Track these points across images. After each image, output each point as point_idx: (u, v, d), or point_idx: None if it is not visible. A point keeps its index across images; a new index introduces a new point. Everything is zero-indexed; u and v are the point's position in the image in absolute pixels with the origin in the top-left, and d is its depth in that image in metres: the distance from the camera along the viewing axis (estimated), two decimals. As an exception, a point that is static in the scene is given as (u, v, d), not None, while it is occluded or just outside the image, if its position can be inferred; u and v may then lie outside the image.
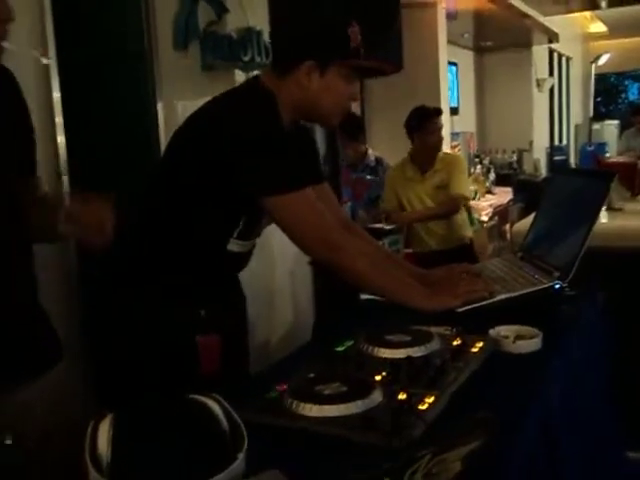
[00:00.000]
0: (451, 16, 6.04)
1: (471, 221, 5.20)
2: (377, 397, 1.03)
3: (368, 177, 4.13)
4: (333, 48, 1.54)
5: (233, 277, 1.69)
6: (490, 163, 7.51)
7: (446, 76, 5.85)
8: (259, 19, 2.93)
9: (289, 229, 1.52)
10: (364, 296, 2.30)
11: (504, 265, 1.85)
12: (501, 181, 7.29)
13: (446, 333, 1.36)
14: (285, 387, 1.09)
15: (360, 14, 1.64)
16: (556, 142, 10.50)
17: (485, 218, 5.87)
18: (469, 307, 1.55)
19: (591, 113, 11.12)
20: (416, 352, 1.22)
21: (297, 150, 1.59)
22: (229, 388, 1.00)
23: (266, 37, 2.95)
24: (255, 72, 3.01)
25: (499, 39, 7.93)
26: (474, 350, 1.25)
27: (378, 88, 5.48)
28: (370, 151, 4.28)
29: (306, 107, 1.58)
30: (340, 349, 1.31)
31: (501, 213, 6.27)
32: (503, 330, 1.39)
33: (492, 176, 7.07)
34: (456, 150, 6.33)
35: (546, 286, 1.55)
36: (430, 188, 3.72)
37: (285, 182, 1.46)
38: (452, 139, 6.24)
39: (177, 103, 2.70)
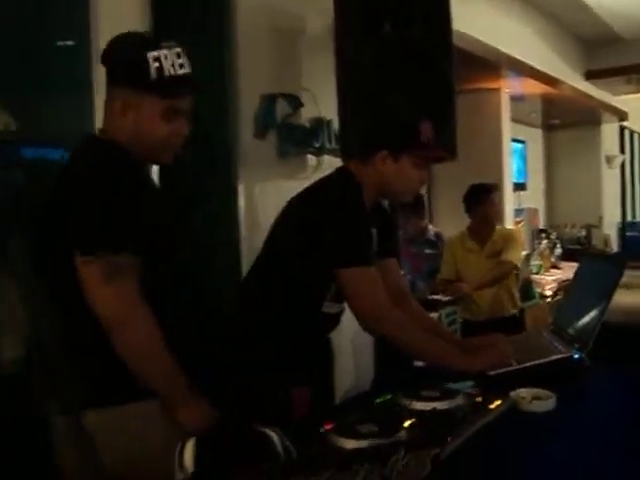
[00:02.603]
0: (517, 98, 6.34)
1: (532, 295, 5.36)
2: (402, 435, 1.29)
3: (427, 251, 4.39)
4: (404, 141, 1.91)
5: (326, 336, 2.01)
6: (557, 238, 7.61)
7: (509, 154, 6.10)
8: (329, 110, 3.29)
9: (349, 299, 1.85)
10: (418, 363, 2.57)
11: (535, 336, 2.08)
12: (570, 256, 7.37)
13: (472, 392, 1.60)
14: (331, 426, 1.37)
15: (428, 112, 2.00)
16: (630, 218, 10.47)
17: (549, 292, 5.98)
18: (498, 371, 1.78)
19: (666, 189, 11.05)
20: (442, 405, 1.47)
21: (376, 227, 1.95)
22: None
23: (335, 126, 3.31)
24: (325, 156, 3.39)
25: (567, 118, 8.14)
26: (492, 407, 1.49)
27: (442, 167, 5.78)
28: (430, 226, 4.55)
29: (382, 188, 1.95)
30: (379, 401, 1.57)
31: (567, 288, 6.35)
32: (523, 392, 1.62)
33: (558, 251, 7.17)
34: (519, 226, 6.52)
35: (565, 356, 1.77)
36: (487, 260, 3.94)
37: (355, 258, 1.80)
38: (516, 215, 6.44)
39: (255, 185, 3.07)
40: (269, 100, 3.09)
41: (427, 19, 2.95)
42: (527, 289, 5.24)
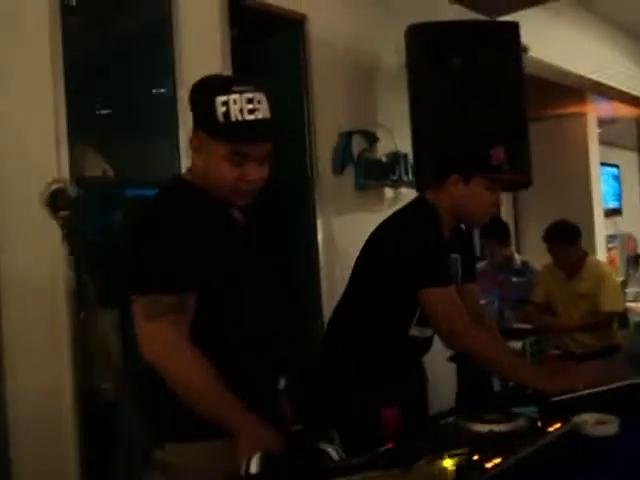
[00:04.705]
0: (607, 121, 6.20)
1: (625, 324, 5.17)
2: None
3: (514, 279, 4.36)
4: (473, 164, 2.02)
5: (417, 359, 2.15)
6: (656, 264, 7.30)
7: (598, 179, 5.96)
8: (405, 144, 3.40)
9: (431, 317, 1.97)
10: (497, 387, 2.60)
11: (611, 363, 2.08)
12: (671, 282, 7.06)
13: (535, 416, 1.63)
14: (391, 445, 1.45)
15: (500, 138, 2.10)
16: None
17: (647, 321, 5.73)
18: (562, 397, 1.80)
19: None
20: (499, 428, 1.52)
21: (459, 253, 2.08)
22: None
23: (411, 159, 3.41)
24: (402, 188, 3.48)
25: (664, 139, 7.87)
26: (551, 429, 1.53)
27: (529, 196, 5.71)
28: (516, 255, 4.52)
29: (456, 211, 2.06)
30: (442, 422, 1.64)
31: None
32: (586, 416, 1.64)
33: (658, 277, 6.88)
34: (611, 252, 6.32)
35: (631, 382, 1.76)
36: (575, 295, 3.87)
37: (435, 279, 1.92)
38: (608, 241, 6.25)
39: (334, 218, 3.21)
40: (346, 137, 3.23)
41: (497, 48, 3.03)
42: (621, 318, 5.06)
